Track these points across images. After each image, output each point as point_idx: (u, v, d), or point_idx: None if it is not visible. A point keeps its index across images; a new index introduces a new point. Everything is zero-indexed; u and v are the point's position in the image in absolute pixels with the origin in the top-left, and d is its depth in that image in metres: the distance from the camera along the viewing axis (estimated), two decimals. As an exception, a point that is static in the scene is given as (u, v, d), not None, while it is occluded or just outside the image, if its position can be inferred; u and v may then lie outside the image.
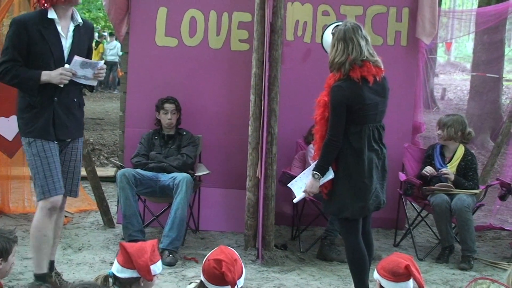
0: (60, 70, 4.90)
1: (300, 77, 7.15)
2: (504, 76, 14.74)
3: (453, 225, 6.67)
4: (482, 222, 7.88)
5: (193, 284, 3.82)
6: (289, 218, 7.06)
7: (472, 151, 6.99)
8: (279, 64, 6.17)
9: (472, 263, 6.41)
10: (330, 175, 4.97)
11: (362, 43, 4.91)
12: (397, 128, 7.20)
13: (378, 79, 4.94)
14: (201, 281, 3.67)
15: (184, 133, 6.81)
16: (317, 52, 7.18)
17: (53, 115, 4.98)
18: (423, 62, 7.47)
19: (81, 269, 5.83)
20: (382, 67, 5.02)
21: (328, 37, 5.37)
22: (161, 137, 6.79)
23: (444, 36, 23.03)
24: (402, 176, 6.93)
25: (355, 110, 4.85)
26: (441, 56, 21.95)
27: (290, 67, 6.92)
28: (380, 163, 5.04)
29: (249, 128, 6.26)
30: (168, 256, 6.05)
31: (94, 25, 24.96)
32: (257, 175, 6.20)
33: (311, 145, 6.78)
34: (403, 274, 3.72)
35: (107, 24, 25.44)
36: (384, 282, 3.80)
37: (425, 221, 7.06)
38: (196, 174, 6.69)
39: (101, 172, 8.39)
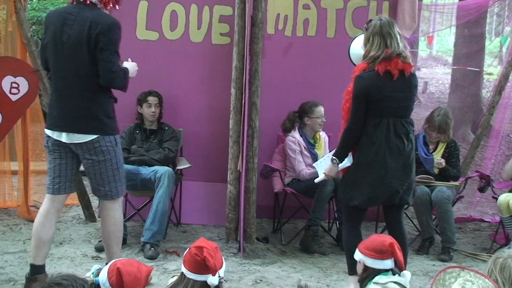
0: (134, 63, 5.27)
1: (281, 70, 7.18)
2: (484, 69, 14.81)
3: (433, 217, 6.73)
4: (462, 214, 7.95)
5: (175, 277, 3.84)
6: (271, 211, 7.08)
7: (452, 142, 7.04)
8: (260, 58, 6.18)
9: (452, 254, 6.47)
10: (348, 162, 5.17)
11: (398, 38, 5.02)
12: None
13: (405, 75, 5.01)
14: (182, 273, 3.68)
15: (166, 128, 6.81)
16: (298, 45, 7.23)
17: None
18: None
19: (63, 263, 5.81)
20: (412, 63, 5.09)
21: (356, 48, 5.51)
22: (143, 131, 6.79)
23: (426, 29, 23.11)
24: (383, 169, 6.95)
25: (373, 101, 4.97)
26: (423, 50, 22.04)
27: (271, 60, 6.93)
28: (402, 159, 5.05)
29: (230, 121, 6.27)
30: (150, 249, 6.06)
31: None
32: (238, 168, 6.22)
33: (288, 137, 6.81)
34: (387, 251, 3.86)
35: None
36: (369, 261, 3.89)
37: (405, 213, 7.07)
38: (177, 168, 6.70)
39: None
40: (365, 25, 5.21)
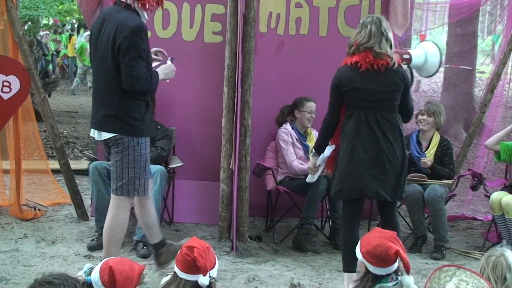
0: (172, 66, 5.42)
1: (273, 69, 7.17)
2: (477, 68, 14.83)
3: (426, 215, 6.75)
4: (454, 212, 7.97)
5: (169, 276, 3.83)
6: (263, 210, 7.08)
7: (445, 140, 7.06)
8: (252, 56, 6.17)
9: (445, 252, 6.49)
10: (326, 153, 5.36)
11: (374, 32, 5.09)
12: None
13: (379, 68, 5.07)
14: (174, 272, 3.67)
15: (158, 126, 6.78)
16: (290, 44, 7.23)
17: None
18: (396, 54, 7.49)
19: (55, 262, 5.80)
20: (389, 60, 5.09)
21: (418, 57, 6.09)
22: (135, 130, 6.76)
23: (419, 28, 23.11)
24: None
25: (344, 92, 5.14)
26: (415, 49, 22.02)
27: (263, 59, 6.93)
28: (374, 151, 5.08)
29: (223, 120, 6.26)
30: (142, 248, 6.05)
31: (68, 18, 24.93)
32: (231, 166, 6.21)
33: (281, 129, 6.83)
34: (391, 260, 3.63)
35: (81, 16, 25.25)
36: (371, 267, 3.70)
37: (398, 212, 7.08)
38: (170, 166, 6.69)
39: (75, 165, 8.35)
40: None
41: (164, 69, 5.34)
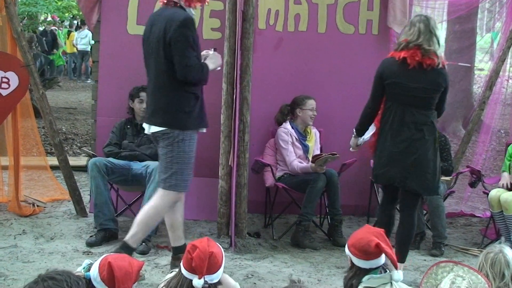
0: (217, 55, 5.52)
1: (272, 65, 7.18)
2: (475, 65, 14.83)
3: (425, 212, 6.75)
4: (453, 209, 7.97)
5: (174, 272, 3.86)
6: (262, 206, 7.08)
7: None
8: (251, 53, 6.17)
9: (443, 249, 6.50)
10: (370, 134, 5.72)
11: (423, 31, 5.25)
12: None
13: (424, 67, 5.25)
14: (180, 267, 3.71)
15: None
16: (289, 41, 7.23)
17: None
18: (395, 51, 7.48)
19: (54, 258, 5.81)
20: (436, 60, 5.27)
21: None
22: (134, 126, 6.76)
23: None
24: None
25: (387, 85, 5.35)
26: (414, 45, 22.06)
27: (262, 55, 6.92)
28: (404, 144, 5.30)
29: (221, 116, 6.26)
30: (141, 244, 6.02)
31: (66, 14, 24.87)
32: (229, 163, 6.21)
33: (280, 128, 6.82)
34: (374, 253, 3.70)
35: (80, 13, 25.23)
36: (355, 260, 3.79)
37: (396, 208, 7.10)
38: (168, 163, 6.68)
39: (73, 161, 8.36)
40: None
41: (211, 59, 5.43)
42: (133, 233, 5.25)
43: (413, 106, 5.31)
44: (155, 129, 5.24)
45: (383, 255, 3.73)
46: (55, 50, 22.97)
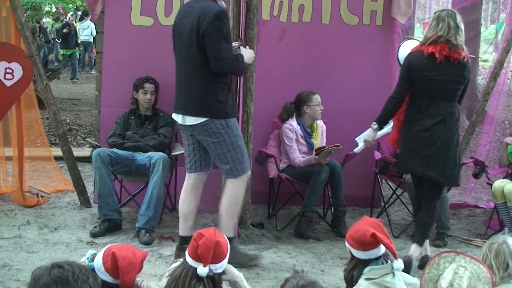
0: (250, 50, 5.76)
1: (276, 56, 7.16)
2: (480, 56, 14.78)
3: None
4: (456, 200, 7.97)
5: (179, 262, 3.87)
6: (266, 197, 7.08)
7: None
8: (255, 43, 6.14)
9: (447, 240, 6.50)
10: (386, 129, 5.82)
11: (452, 26, 5.47)
12: (372, 106, 7.20)
13: (452, 61, 5.48)
14: (184, 256, 3.72)
15: (161, 114, 6.79)
16: (292, 31, 7.21)
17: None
18: (399, 42, 7.47)
19: (58, 248, 5.83)
20: (462, 53, 5.52)
21: (404, 52, 6.24)
22: (138, 117, 6.77)
23: (422, 16, 23.04)
24: (378, 155, 7.00)
25: (414, 78, 5.53)
26: (418, 37, 21.97)
27: (265, 46, 6.91)
28: (432, 138, 5.51)
29: (224, 107, 6.25)
30: (145, 235, 6.08)
31: (70, 5, 24.85)
32: (232, 154, 6.20)
33: (285, 124, 6.81)
34: (370, 243, 3.73)
35: (83, 4, 25.19)
36: (354, 251, 3.82)
37: (400, 199, 7.12)
38: (172, 154, 6.69)
39: (78, 152, 8.38)
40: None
41: (247, 53, 5.62)
42: (225, 226, 5.47)
43: (439, 98, 5.52)
44: (192, 120, 5.30)
45: (382, 246, 3.75)
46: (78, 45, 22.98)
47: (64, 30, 21.43)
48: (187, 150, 5.61)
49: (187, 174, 5.69)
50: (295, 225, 6.59)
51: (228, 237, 5.27)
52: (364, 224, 3.84)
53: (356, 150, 6.28)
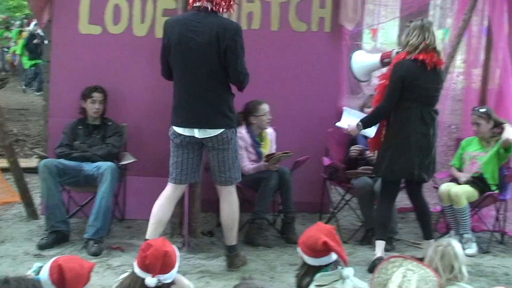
0: None
1: (225, 63, 7.15)
2: (427, 61, 14.98)
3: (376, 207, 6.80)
4: (404, 204, 8.01)
5: (127, 273, 3.85)
6: (216, 205, 7.03)
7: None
8: (203, 51, 6.15)
9: (394, 244, 6.58)
10: (369, 133, 6.04)
11: (435, 34, 5.75)
12: (321, 113, 7.33)
13: (436, 68, 5.79)
14: (133, 266, 3.71)
15: (110, 123, 6.74)
16: (242, 38, 7.21)
17: None
18: (347, 48, 7.55)
19: (4, 261, 5.74)
20: (443, 60, 5.97)
21: (357, 61, 6.49)
22: (86, 127, 6.70)
23: (371, 22, 23.23)
24: (326, 161, 7.06)
25: (408, 87, 5.68)
26: (367, 43, 22.18)
27: (214, 54, 6.90)
28: (426, 142, 5.80)
29: (174, 116, 6.25)
30: (93, 246, 6.01)
31: (18, 14, 24.50)
32: (182, 162, 6.19)
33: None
34: (322, 250, 3.77)
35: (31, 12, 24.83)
36: (305, 257, 3.85)
37: (349, 205, 7.17)
38: (121, 163, 6.64)
39: (25, 163, 8.26)
40: (408, 22, 5.93)
41: None
42: (233, 235, 5.80)
43: (429, 105, 5.81)
44: (213, 132, 5.45)
45: (333, 253, 3.78)
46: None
47: (35, 41, 21.04)
48: (185, 163, 5.66)
49: (172, 185, 5.73)
50: (244, 232, 6.59)
51: (234, 246, 5.74)
52: (317, 231, 3.89)
53: (337, 123, 6.72)
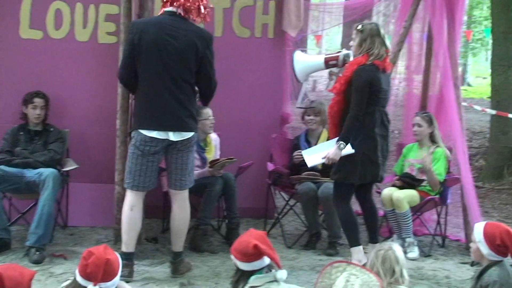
0: None
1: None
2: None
3: (320, 212, 6.87)
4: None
5: (69, 281, 3.80)
6: (160, 211, 7.02)
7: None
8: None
9: (338, 248, 6.65)
10: (350, 149, 5.70)
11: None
12: (265, 119, 7.38)
13: (389, 72, 6.01)
14: (75, 274, 3.67)
15: (52, 129, 6.65)
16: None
17: None
18: (291, 54, 7.59)
19: None
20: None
21: (300, 61, 6.39)
22: (27, 132, 6.60)
23: (316, 28, 23.42)
24: (270, 166, 7.08)
25: (373, 92, 5.67)
26: (312, 49, 22.40)
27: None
28: (385, 144, 5.87)
29: (117, 121, 6.22)
30: (35, 253, 5.92)
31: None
32: (126, 168, 6.15)
33: None
34: (253, 254, 3.76)
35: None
36: (238, 263, 3.86)
37: (293, 210, 7.22)
38: (63, 169, 6.57)
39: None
40: (360, 27, 5.81)
41: None
42: (176, 241, 5.81)
43: (384, 107, 5.88)
44: (186, 135, 5.52)
45: (265, 257, 3.80)
46: None
47: None
48: (149, 170, 5.57)
49: (136, 193, 5.62)
50: (189, 238, 6.57)
51: (180, 252, 5.71)
52: (248, 236, 3.88)
53: (312, 164, 6.16)
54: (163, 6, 5.55)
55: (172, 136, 5.46)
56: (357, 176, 5.80)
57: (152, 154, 5.50)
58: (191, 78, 5.52)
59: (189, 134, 5.53)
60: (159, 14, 5.67)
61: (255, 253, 3.77)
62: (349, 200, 6.04)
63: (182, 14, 5.46)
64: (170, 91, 5.43)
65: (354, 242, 5.96)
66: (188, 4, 5.44)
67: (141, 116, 5.53)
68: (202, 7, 5.53)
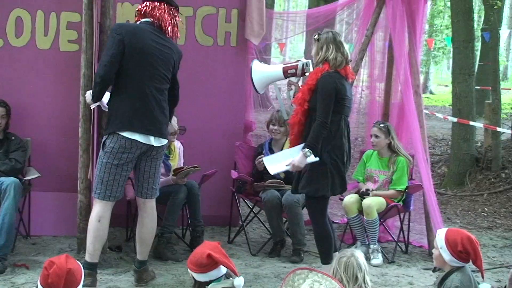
0: None
1: (132, 77, 7.10)
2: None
3: (284, 219, 6.89)
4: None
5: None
6: (123, 219, 6.98)
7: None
8: (109, 65, 6.11)
9: (303, 255, 6.66)
10: (316, 157, 5.52)
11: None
12: (228, 126, 7.39)
13: (352, 81, 6.09)
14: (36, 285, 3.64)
15: (13, 138, 6.58)
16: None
17: None
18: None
19: None
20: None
21: (258, 72, 6.15)
22: (-12, 141, 6.54)
23: (280, 36, 23.56)
24: (234, 174, 7.09)
25: (338, 99, 5.59)
26: (276, 57, 22.47)
27: (121, 67, 6.86)
28: (348, 154, 5.79)
29: (80, 130, 6.17)
30: (-2, 264, 5.86)
31: None
32: (88, 177, 6.13)
33: None
34: (208, 264, 3.79)
35: None
36: (195, 275, 3.87)
37: (257, 217, 7.24)
38: (25, 178, 6.50)
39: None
40: (316, 36, 5.78)
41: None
42: (142, 250, 5.76)
43: (347, 116, 5.81)
44: (163, 141, 5.59)
45: (222, 266, 3.81)
46: None
47: None
48: (122, 179, 5.51)
49: (106, 204, 5.55)
50: (153, 246, 6.53)
51: (145, 260, 5.71)
52: (202, 247, 3.92)
53: (274, 172, 5.99)
54: (140, 17, 5.60)
55: (153, 141, 5.45)
56: (328, 188, 5.67)
57: (127, 163, 5.44)
58: (167, 86, 5.62)
59: (165, 141, 5.62)
60: (136, 22, 5.67)
61: (210, 263, 3.79)
62: (325, 213, 5.86)
63: (160, 27, 5.54)
64: (154, 97, 5.46)
65: (327, 258, 5.74)
66: (165, 20, 5.53)
67: (123, 118, 5.37)
68: (176, 25, 5.65)
